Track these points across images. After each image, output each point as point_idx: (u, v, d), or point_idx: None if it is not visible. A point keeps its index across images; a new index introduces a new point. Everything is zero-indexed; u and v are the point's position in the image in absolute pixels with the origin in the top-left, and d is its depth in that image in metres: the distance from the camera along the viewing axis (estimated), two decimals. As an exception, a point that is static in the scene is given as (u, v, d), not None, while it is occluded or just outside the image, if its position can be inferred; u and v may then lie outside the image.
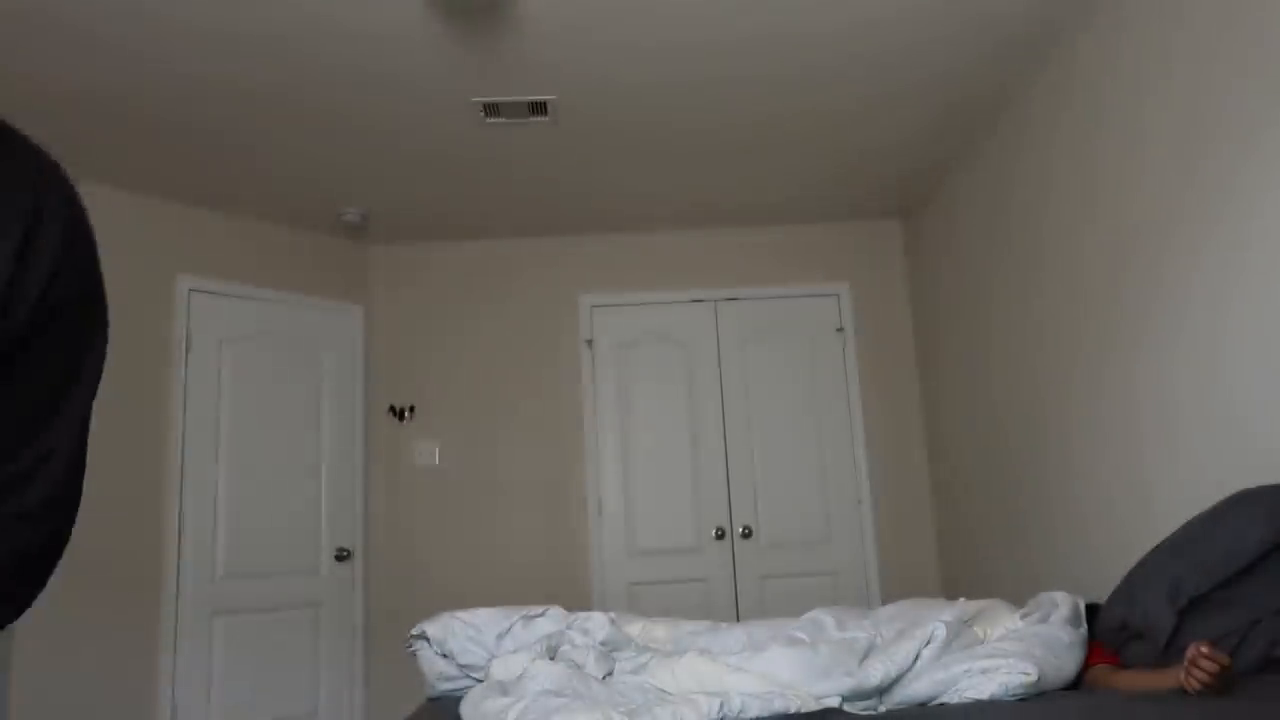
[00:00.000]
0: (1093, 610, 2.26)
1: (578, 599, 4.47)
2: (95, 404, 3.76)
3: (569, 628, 2.24)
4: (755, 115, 3.58)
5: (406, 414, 4.62)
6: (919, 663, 1.94)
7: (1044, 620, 2.13)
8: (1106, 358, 2.92)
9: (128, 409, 3.85)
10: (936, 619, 2.06)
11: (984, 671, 1.86)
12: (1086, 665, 2.03)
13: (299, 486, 4.29)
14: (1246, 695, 1.62)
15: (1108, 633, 2.11)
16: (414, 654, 2.35)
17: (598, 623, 2.24)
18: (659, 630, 2.42)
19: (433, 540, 4.53)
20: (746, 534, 4.52)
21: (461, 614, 2.32)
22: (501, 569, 4.50)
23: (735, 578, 4.50)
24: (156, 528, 3.85)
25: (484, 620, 2.29)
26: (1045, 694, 1.86)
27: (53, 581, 3.56)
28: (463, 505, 4.57)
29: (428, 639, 2.31)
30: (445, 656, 2.28)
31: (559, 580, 4.49)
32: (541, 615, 2.31)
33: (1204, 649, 1.61)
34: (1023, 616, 2.20)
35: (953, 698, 1.86)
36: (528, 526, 4.55)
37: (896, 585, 4.47)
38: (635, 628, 2.44)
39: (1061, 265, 3.18)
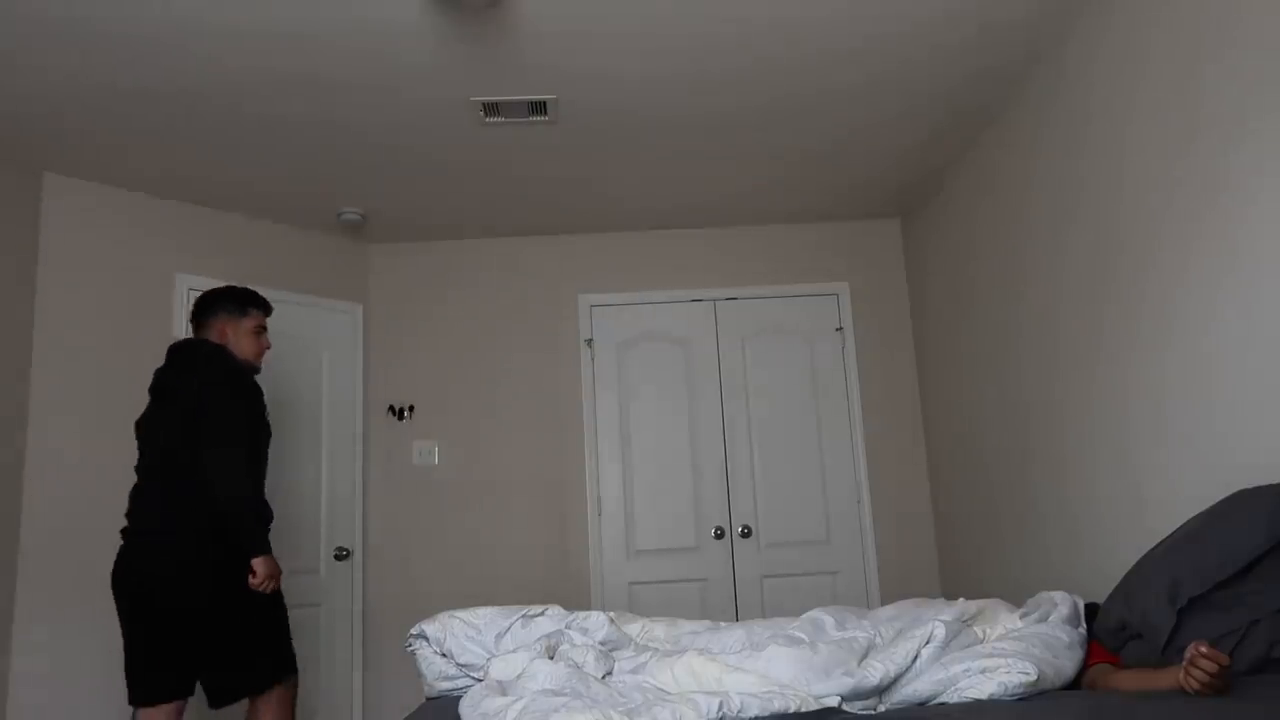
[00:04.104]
0: (1092, 610, 2.26)
1: (577, 598, 4.47)
2: (94, 401, 3.76)
3: (568, 627, 2.24)
4: (755, 115, 3.58)
5: (406, 413, 4.62)
6: (918, 662, 1.94)
7: (1043, 620, 2.13)
8: (1104, 356, 2.92)
9: (126, 408, 3.85)
10: (936, 619, 2.06)
11: (983, 671, 1.86)
12: (1086, 665, 2.03)
13: (298, 486, 4.29)
14: (1246, 695, 1.62)
15: (1107, 632, 2.11)
16: (413, 653, 2.35)
17: (597, 622, 2.24)
18: (658, 630, 2.42)
19: (432, 540, 4.53)
20: (746, 533, 4.52)
21: (461, 613, 2.32)
22: (501, 568, 4.50)
23: (734, 577, 4.50)
24: (156, 527, 3.85)
25: (483, 619, 2.29)
26: (1045, 694, 1.86)
27: (51, 581, 3.56)
28: (462, 505, 4.57)
29: (427, 638, 2.31)
30: (444, 656, 2.28)
31: (559, 580, 4.49)
32: (541, 614, 2.31)
33: (1203, 649, 1.61)
34: (1022, 616, 2.20)
35: (952, 697, 1.86)
36: (527, 526, 4.55)
37: (896, 585, 4.47)
38: (635, 627, 2.44)
39: (1060, 265, 3.18)
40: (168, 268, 4.06)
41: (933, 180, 4.31)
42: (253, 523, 2.82)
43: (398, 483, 4.59)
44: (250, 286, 4.28)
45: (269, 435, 3.03)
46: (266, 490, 3.02)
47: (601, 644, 2.18)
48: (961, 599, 2.34)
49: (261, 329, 3.15)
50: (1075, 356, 3.12)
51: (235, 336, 3.09)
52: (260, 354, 3.15)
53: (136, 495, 2.91)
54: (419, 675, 2.36)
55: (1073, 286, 3.11)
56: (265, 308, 3.20)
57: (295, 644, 4.17)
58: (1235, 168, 2.29)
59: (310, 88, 3.23)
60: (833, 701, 1.82)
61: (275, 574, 2.84)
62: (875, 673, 1.89)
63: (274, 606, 2.91)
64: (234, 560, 2.81)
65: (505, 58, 3.09)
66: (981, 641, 2.08)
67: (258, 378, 3.07)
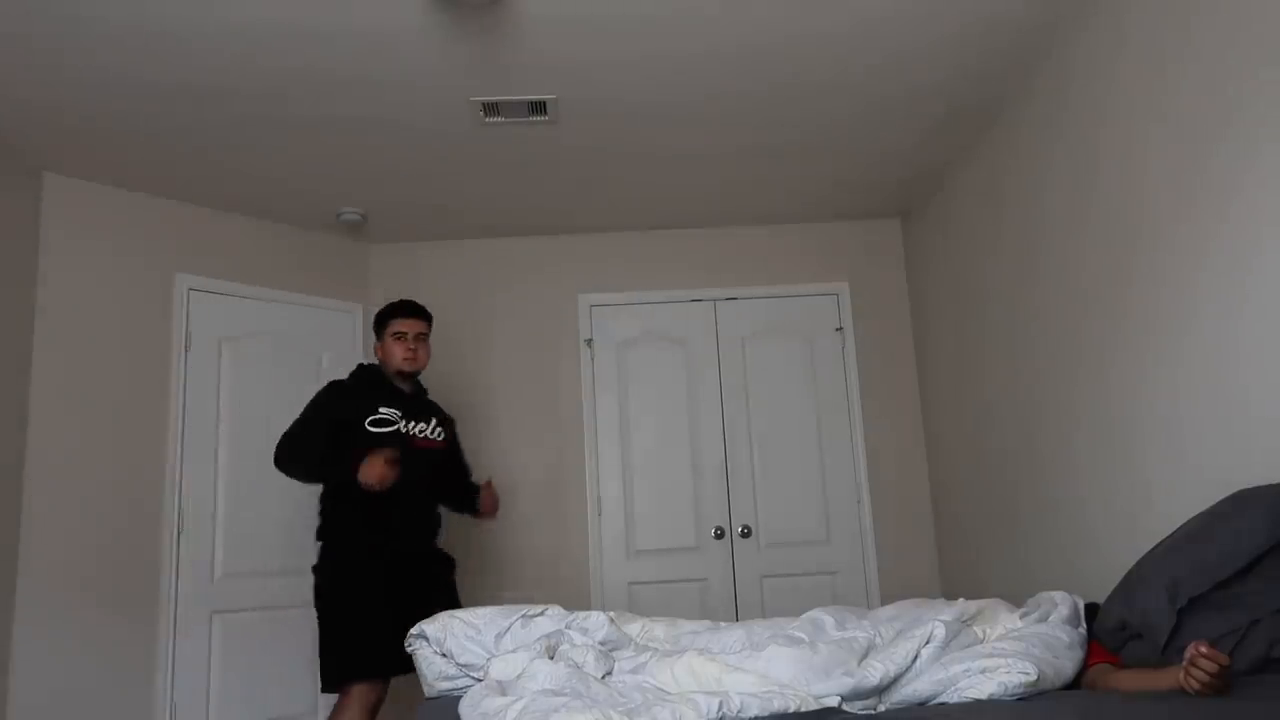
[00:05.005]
0: (1092, 610, 2.26)
1: (577, 598, 4.46)
2: (94, 401, 3.76)
3: (568, 627, 2.24)
4: (755, 116, 3.58)
5: (406, 414, 4.61)
6: (918, 662, 1.94)
7: (1043, 620, 2.13)
8: (1105, 357, 2.92)
9: (126, 408, 3.85)
10: (936, 619, 2.06)
11: (983, 671, 1.86)
12: (1086, 665, 2.03)
13: (298, 486, 4.27)
14: (1246, 695, 1.62)
15: (1107, 632, 2.11)
16: (413, 653, 2.35)
17: (597, 622, 2.24)
18: (658, 629, 2.42)
19: (432, 540, 4.52)
20: (745, 533, 4.51)
21: (460, 613, 2.32)
22: (501, 568, 4.50)
23: (734, 577, 4.50)
24: (155, 527, 3.85)
25: (483, 619, 2.29)
26: (1045, 694, 1.86)
27: (52, 581, 3.56)
28: (462, 505, 4.56)
29: (427, 638, 2.30)
30: (444, 656, 2.28)
31: (558, 580, 4.48)
32: (541, 614, 2.31)
33: (1203, 648, 1.61)
34: (1022, 616, 2.20)
35: (952, 697, 1.86)
36: (527, 526, 4.55)
37: (896, 585, 4.47)
38: (634, 627, 2.44)
39: (1060, 265, 3.17)
40: (168, 268, 4.06)
41: (933, 180, 4.31)
42: (301, 463, 3.17)
43: (398, 483, 4.58)
44: (250, 286, 4.30)
45: (378, 441, 3.15)
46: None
47: (601, 644, 2.17)
48: (961, 599, 2.34)
49: (400, 334, 3.32)
50: (1074, 357, 3.12)
51: (383, 350, 3.37)
52: (405, 357, 3.30)
53: None
54: (419, 675, 2.36)
55: (1072, 288, 3.11)
56: (404, 311, 3.37)
57: (293, 643, 4.18)
58: (1245, 169, 2.28)
59: (310, 87, 3.22)
60: (833, 701, 1.82)
61: (377, 475, 3.01)
62: (875, 673, 1.89)
63: (358, 612, 3.04)
64: (333, 561, 3.14)
65: (505, 57, 3.09)
66: (981, 641, 2.08)
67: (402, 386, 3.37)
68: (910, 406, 4.68)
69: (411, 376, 3.38)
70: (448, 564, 3.41)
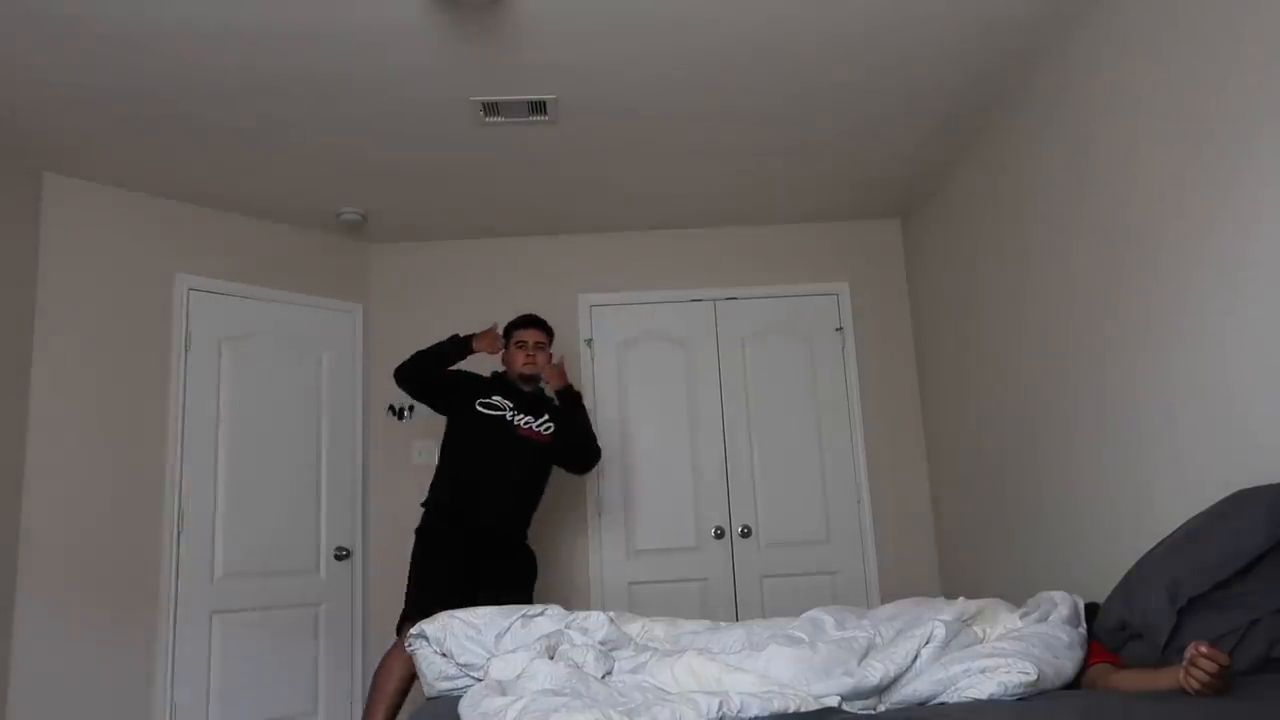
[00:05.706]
0: (1092, 610, 2.26)
1: (577, 598, 4.46)
2: (94, 402, 3.76)
3: (568, 627, 2.24)
4: (755, 114, 3.58)
5: (406, 413, 4.62)
6: (918, 662, 1.94)
7: (1043, 620, 2.13)
8: (1105, 357, 2.92)
9: (127, 408, 3.85)
10: (936, 618, 2.06)
11: (983, 671, 1.86)
12: (1086, 665, 2.03)
13: (298, 486, 4.29)
14: (1246, 695, 1.62)
15: (1107, 632, 2.11)
16: (413, 653, 2.35)
17: (597, 622, 2.24)
18: (658, 629, 2.42)
19: (432, 540, 4.52)
20: (745, 533, 4.51)
21: (460, 613, 2.32)
22: (501, 569, 4.49)
23: (734, 577, 4.50)
24: (155, 527, 3.85)
25: (483, 619, 2.29)
26: (1045, 694, 1.86)
27: (52, 581, 3.56)
28: (462, 505, 4.55)
29: (427, 638, 2.30)
30: (444, 656, 2.28)
31: (558, 580, 4.48)
32: (540, 614, 2.31)
33: (1203, 648, 1.61)
34: (1022, 616, 2.20)
35: (952, 697, 1.86)
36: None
37: (896, 585, 4.46)
38: (634, 627, 2.44)
39: (1061, 265, 3.17)
40: (168, 268, 4.06)
41: (933, 179, 4.31)
42: (422, 355, 3.67)
43: (398, 482, 4.58)
44: (250, 286, 4.30)
45: (482, 421, 3.63)
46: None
47: (601, 644, 2.17)
48: (961, 599, 2.34)
49: (521, 343, 3.76)
50: (1074, 356, 3.12)
51: (508, 356, 3.80)
52: (525, 363, 3.75)
53: None
54: (419, 675, 2.36)
55: (1072, 288, 3.11)
56: (525, 323, 3.80)
57: (293, 643, 4.18)
58: (1245, 167, 2.28)
59: (310, 87, 3.22)
60: (833, 701, 1.82)
61: (490, 335, 3.71)
62: (875, 672, 1.89)
63: (422, 568, 3.48)
64: (422, 521, 3.59)
65: (505, 57, 3.09)
66: (981, 641, 2.08)
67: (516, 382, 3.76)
68: (910, 406, 4.68)
69: (532, 380, 3.76)
70: (529, 561, 3.71)
